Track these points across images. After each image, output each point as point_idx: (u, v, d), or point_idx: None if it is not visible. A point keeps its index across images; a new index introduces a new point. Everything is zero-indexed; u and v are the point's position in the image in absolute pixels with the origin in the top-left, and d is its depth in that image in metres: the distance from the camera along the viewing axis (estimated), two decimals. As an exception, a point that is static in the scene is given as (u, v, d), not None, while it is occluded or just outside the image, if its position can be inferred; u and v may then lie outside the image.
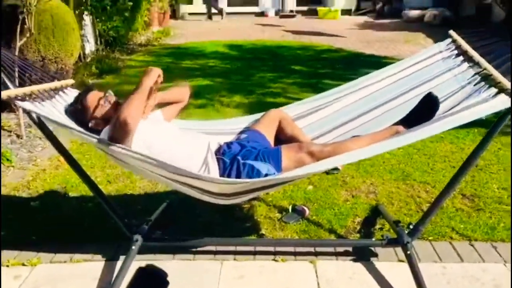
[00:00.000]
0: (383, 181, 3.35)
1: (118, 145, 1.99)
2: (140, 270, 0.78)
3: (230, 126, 2.62)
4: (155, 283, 0.78)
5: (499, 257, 2.49)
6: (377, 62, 7.32)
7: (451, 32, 2.41)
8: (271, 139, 2.48)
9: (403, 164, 3.61)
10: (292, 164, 2.14)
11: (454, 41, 2.39)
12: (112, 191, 3.25)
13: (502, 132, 3.91)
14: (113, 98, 2.30)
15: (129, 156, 2.01)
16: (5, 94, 2.01)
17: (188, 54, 8.29)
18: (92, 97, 2.26)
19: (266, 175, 2.12)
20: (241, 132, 2.54)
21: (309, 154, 2.13)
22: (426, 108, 2.19)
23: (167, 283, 0.78)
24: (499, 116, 1.97)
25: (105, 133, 2.08)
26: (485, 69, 2.09)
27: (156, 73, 2.16)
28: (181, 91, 2.60)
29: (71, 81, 2.42)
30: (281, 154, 2.18)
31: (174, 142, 2.23)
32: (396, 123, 2.30)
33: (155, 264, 0.79)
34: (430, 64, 2.39)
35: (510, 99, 1.88)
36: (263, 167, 2.15)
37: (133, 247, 2.38)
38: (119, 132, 2.00)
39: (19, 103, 2.03)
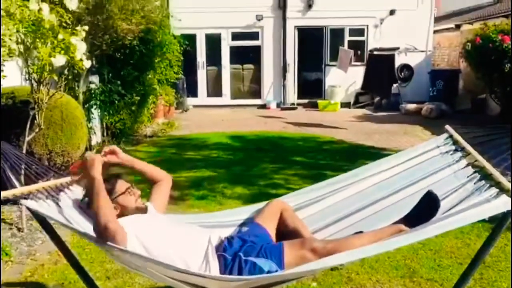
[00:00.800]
0: (389, 278, 3.26)
1: (114, 245, 1.98)
2: None
3: (230, 217, 2.60)
4: None
5: None
6: (377, 154, 7.41)
7: (448, 127, 2.47)
8: (272, 232, 2.45)
9: (409, 260, 3.54)
10: (294, 261, 2.10)
11: (451, 136, 2.44)
12: (110, 288, 3.16)
13: (508, 228, 3.87)
14: (137, 192, 2.35)
15: (125, 254, 1.99)
16: (9, 193, 2.03)
17: (192, 145, 8.44)
18: (121, 185, 2.31)
19: (268, 272, 2.08)
20: (242, 225, 2.51)
21: (312, 251, 2.11)
22: (427, 207, 2.19)
23: None
24: (502, 217, 1.96)
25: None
26: (484, 167, 2.12)
27: (91, 161, 2.20)
28: (156, 168, 2.66)
29: (76, 178, 2.45)
30: (283, 251, 2.15)
31: (171, 237, 2.21)
32: (398, 221, 2.29)
33: None
34: (428, 159, 2.43)
35: (511, 200, 1.89)
36: (265, 264, 2.11)
37: None
38: (107, 238, 2.01)
39: (23, 201, 2.04)
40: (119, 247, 1.98)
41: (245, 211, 2.62)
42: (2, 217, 4.22)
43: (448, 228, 1.94)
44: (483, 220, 1.89)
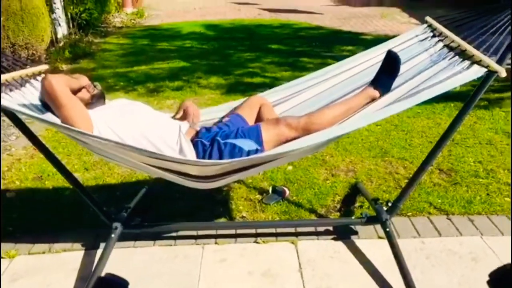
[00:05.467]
0: (362, 159, 3.37)
1: (82, 130, 1.94)
2: (99, 280, 0.75)
3: (209, 115, 2.57)
4: None
5: (475, 230, 2.54)
6: (354, 39, 7.31)
7: (428, 18, 2.42)
8: (251, 123, 2.45)
9: (381, 141, 3.64)
10: (272, 138, 2.13)
11: (430, 25, 2.40)
12: (89, 179, 3.21)
13: (477, 106, 3.97)
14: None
15: (96, 142, 1.96)
16: None
17: (164, 35, 8.14)
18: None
19: (248, 151, 2.10)
20: (223, 116, 2.50)
21: (287, 125, 2.13)
22: (389, 64, 2.22)
23: None
24: (479, 85, 1.97)
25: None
26: (459, 45, 2.09)
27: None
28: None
29: (45, 67, 2.32)
30: (260, 130, 2.16)
31: (142, 123, 2.17)
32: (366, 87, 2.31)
33: (114, 273, 0.76)
34: (406, 47, 2.38)
35: (482, 68, 1.89)
36: (244, 143, 2.12)
37: (113, 235, 2.36)
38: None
39: None
40: (86, 132, 1.94)
41: (223, 109, 2.58)
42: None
43: (421, 99, 1.95)
44: (457, 99, 1.89)
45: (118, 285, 0.74)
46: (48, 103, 2.03)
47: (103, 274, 0.75)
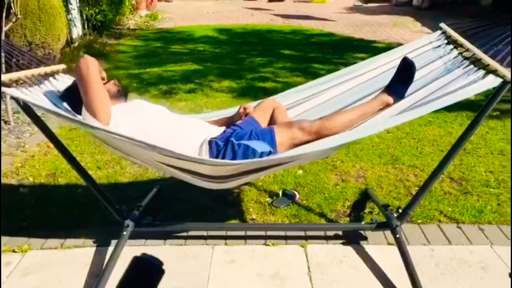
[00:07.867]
0: (373, 165, 3.37)
1: (101, 126, 1.98)
2: (135, 259, 0.78)
3: (222, 116, 2.60)
4: (151, 272, 0.78)
5: (486, 240, 2.54)
6: (366, 46, 7.32)
7: (442, 24, 2.43)
8: (264, 126, 2.47)
9: (392, 148, 3.64)
10: (285, 141, 2.14)
11: (444, 32, 2.40)
12: (102, 177, 3.24)
13: (490, 116, 3.95)
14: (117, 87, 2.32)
15: (114, 138, 1.99)
16: None
17: (177, 38, 8.21)
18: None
19: (261, 153, 2.12)
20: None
21: (300, 129, 2.14)
22: (404, 72, 2.23)
23: (163, 271, 0.78)
24: (492, 94, 1.98)
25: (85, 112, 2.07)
26: (474, 54, 2.10)
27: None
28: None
29: (62, 66, 2.37)
30: (274, 132, 2.18)
31: (167, 124, 2.21)
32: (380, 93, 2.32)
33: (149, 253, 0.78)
34: (420, 54, 2.39)
35: (498, 78, 1.90)
36: (258, 145, 2.13)
37: (124, 233, 2.38)
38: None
39: (4, 89, 1.98)
40: (103, 128, 1.97)
41: (233, 111, 2.60)
42: (-13, 110, 4.19)
43: (434, 108, 1.95)
44: (469, 109, 1.91)
45: (152, 264, 0.76)
46: (77, 83, 2.07)
47: (139, 254, 0.77)
